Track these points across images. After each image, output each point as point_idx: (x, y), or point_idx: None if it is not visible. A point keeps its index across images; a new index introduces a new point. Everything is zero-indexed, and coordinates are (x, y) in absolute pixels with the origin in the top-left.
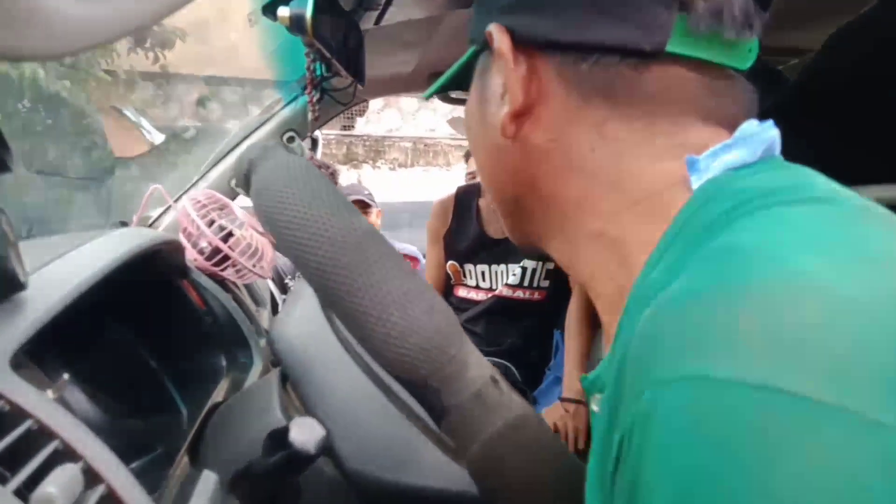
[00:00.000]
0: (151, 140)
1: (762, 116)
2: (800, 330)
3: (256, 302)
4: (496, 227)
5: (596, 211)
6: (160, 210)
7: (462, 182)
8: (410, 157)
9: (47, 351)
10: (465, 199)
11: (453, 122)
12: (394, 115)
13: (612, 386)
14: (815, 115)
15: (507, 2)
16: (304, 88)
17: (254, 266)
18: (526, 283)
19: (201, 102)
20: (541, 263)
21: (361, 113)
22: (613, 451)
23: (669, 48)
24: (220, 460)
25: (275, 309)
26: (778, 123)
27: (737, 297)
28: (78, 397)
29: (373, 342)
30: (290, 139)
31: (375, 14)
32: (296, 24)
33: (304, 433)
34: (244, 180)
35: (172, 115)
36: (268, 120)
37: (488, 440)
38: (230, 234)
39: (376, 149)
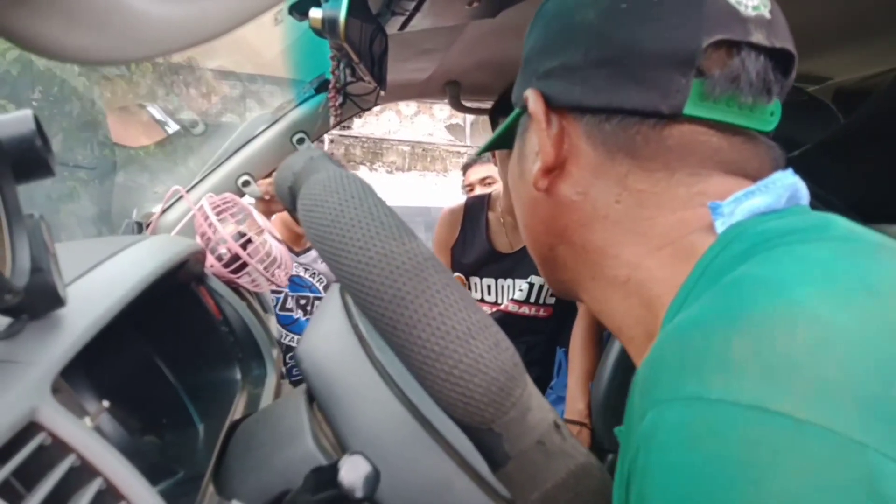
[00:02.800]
0: (168, 130)
1: (816, 148)
2: (791, 355)
3: (264, 308)
4: (504, 241)
5: (621, 258)
6: (159, 205)
7: (458, 190)
8: (408, 160)
9: (79, 369)
10: (475, 211)
11: (451, 128)
12: (392, 118)
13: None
14: (874, 151)
15: (542, 70)
16: (317, 89)
17: (272, 275)
18: (532, 300)
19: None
20: None
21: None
22: (626, 475)
23: (686, 111)
24: (248, 488)
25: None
26: (832, 156)
27: (734, 323)
28: (101, 414)
29: (431, 380)
30: (300, 140)
31: (401, 19)
32: (328, 26)
33: (355, 472)
34: (288, 193)
35: (179, 109)
36: (278, 120)
37: (551, 490)
38: (249, 241)
39: (374, 151)
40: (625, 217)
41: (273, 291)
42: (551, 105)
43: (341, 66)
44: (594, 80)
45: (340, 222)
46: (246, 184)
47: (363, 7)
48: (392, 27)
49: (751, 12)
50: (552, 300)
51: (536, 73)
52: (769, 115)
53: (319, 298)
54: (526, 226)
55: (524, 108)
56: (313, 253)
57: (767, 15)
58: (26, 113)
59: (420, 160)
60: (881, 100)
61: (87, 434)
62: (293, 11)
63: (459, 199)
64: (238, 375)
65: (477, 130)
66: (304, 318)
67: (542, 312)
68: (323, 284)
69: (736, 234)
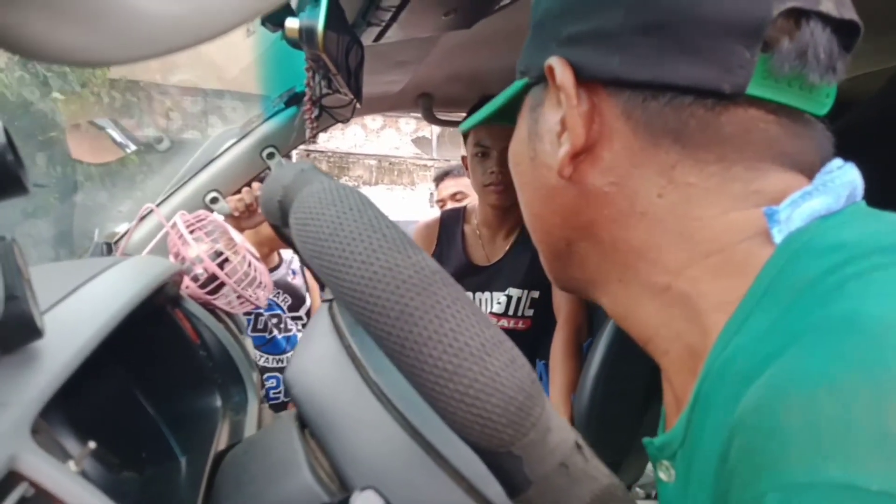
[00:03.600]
0: (125, 149)
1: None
2: None
3: (239, 329)
4: (481, 253)
5: (661, 263)
6: (123, 225)
7: (426, 204)
8: (375, 174)
9: (56, 404)
10: (450, 224)
11: (418, 141)
12: (358, 132)
13: (703, 467)
14: (881, 141)
15: (570, 33)
16: (287, 103)
17: (251, 295)
18: (511, 312)
19: (169, 114)
20: (526, 292)
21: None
22: None
23: (749, 91)
24: None
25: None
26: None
27: (882, 388)
28: (86, 457)
29: (445, 401)
30: (270, 155)
31: (376, 31)
32: (306, 36)
33: None
34: (278, 208)
35: (144, 125)
36: (247, 135)
37: None
38: (226, 260)
39: (340, 165)
40: (668, 215)
41: (245, 313)
42: (580, 77)
43: (317, 77)
44: (638, 48)
45: (339, 235)
46: (214, 200)
47: (340, 18)
48: (367, 38)
49: None
50: (530, 312)
51: (557, 38)
52: (825, 98)
53: (293, 318)
54: (536, 215)
55: (537, 80)
56: (280, 271)
57: None
58: None
59: (387, 174)
60: (885, 95)
61: (73, 481)
62: (266, 22)
63: (430, 212)
64: (218, 402)
65: (444, 144)
66: (280, 336)
67: (520, 325)
68: (287, 304)
69: (800, 245)
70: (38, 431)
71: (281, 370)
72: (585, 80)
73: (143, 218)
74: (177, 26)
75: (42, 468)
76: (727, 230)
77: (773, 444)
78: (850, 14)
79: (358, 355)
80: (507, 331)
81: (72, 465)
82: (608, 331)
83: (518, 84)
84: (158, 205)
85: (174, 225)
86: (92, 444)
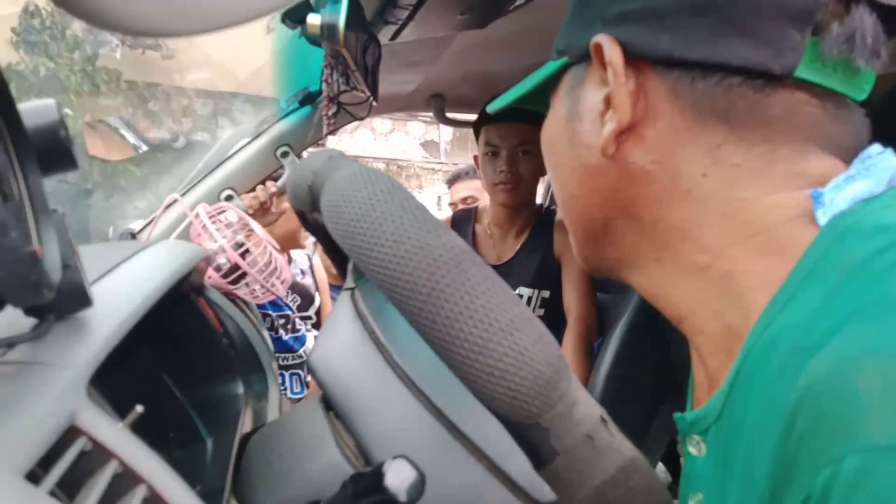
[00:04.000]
0: (137, 149)
1: None
2: None
3: (258, 319)
4: (492, 253)
5: (702, 242)
6: (139, 221)
7: (433, 207)
8: None
9: (98, 376)
10: (462, 224)
11: (426, 145)
12: (367, 136)
13: (756, 435)
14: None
15: (618, 11)
16: (301, 102)
17: (272, 285)
18: None
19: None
20: (536, 291)
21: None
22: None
23: (798, 73)
24: (271, 499)
25: None
26: None
27: None
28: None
29: (475, 375)
30: (284, 154)
31: (393, 29)
32: (328, 32)
33: (400, 477)
34: (308, 193)
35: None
36: (262, 133)
37: (600, 486)
38: (247, 251)
39: None
40: (711, 195)
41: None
42: (628, 55)
43: (335, 74)
44: (689, 28)
45: (371, 217)
46: (229, 198)
47: (359, 15)
48: (384, 37)
49: None
50: (541, 311)
51: (603, 16)
52: (865, 83)
53: (302, 318)
54: (573, 195)
55: (578, 59)
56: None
57: None
58: (49, 102)
59: (395, 177)
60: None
61: (128, 438)
62: (286, 19)
63: (438, 214)
64: (241, 389)
65: (452, 147)
66: (286, 337)
67: None
68: (297, 304)
69: (845, 228)
70: (90, 395)
71: (287, 367)
72: (634, 58)
73: (167, 208)
74: (233, 3)
75: (99, 424)
76: (770, 211)
77: (851, 409)
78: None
79: (381, 339)
80: None
81: (121, 425)
82: (619, 330)
83: (555, 64)
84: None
85: (197, 215)
86: (140, 408)
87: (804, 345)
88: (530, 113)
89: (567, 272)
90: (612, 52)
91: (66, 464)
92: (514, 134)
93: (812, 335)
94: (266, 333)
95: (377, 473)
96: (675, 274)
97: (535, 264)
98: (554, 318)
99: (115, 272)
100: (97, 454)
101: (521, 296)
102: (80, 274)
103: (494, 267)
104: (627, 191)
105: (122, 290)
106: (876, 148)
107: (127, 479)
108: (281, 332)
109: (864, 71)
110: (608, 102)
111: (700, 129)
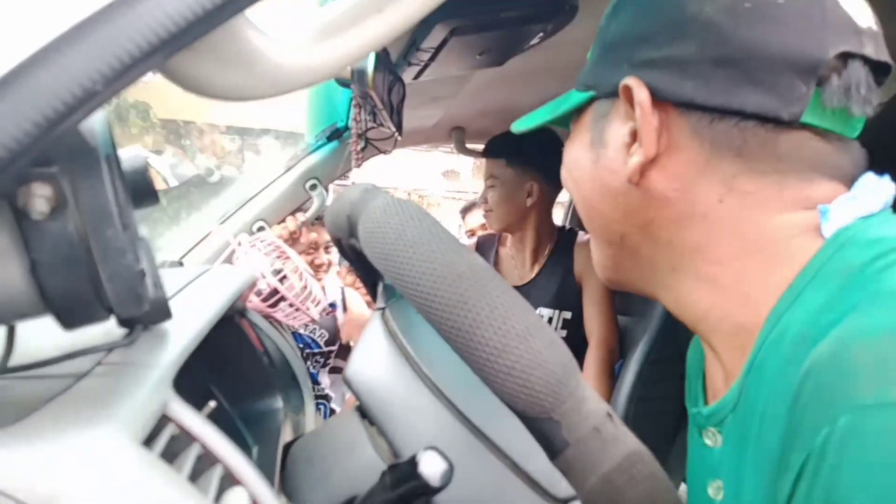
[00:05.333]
0: (168, 183)
1: None
2: None
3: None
4: (514, 274)
5: (713, 256)
6: (180, 251)
7: (455, 233)
8: None
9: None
10: (486, 247)
11: (448, 174)
12: (389, 166)
13: (767, 416)
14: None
15: (645, 58)
16: (329, 138)
17: (307, 308)
18: None
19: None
20: (557, 312)
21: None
22: (793, 472)
23: (803, 119)
24: (316, 497)
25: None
26: None
27: None
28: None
29: (495, 375)
30: (313, 186)
31: (416, 70)
32: (358, 76)
33: (433, 465)
34: (346, 222)
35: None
36: (292, 167)
37: (608, 473)
38: (284, 277)
39: None
40: (726, 217)
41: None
42: (654, 96)
43: (363, 113)
44: (710, 77)
45: (404, 240)
46: (261, 230)
47: (386, 59)
48: (407, 76)
49: (864, 24)
50: (563, 332)
51: (631, 60)
52: (858, 123)
53: (321, 353)
54: (597, 211)
55: (606, 95)
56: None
57: (875, 28)
58: (138, 147)
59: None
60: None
61: (208, 426)
62: None
63: (463, 240)
64: (280, 404)
65: (474, 176)
66: (312, 370)
67: None
68: (325, 339)
69: (846, 238)
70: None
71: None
72: (658, 99)
73: (207, 237)
74: (299, 73)
75: (185, 414)
76: (779, 228)
77: (845, 378)
78: (885, 56)
79: (410, 353)
80: None
81: (202, 415)
82: (639, 353)
83: (582, 96)
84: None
85: (240, 244)
86: (213, 403)
87: (810, 335)
88: (500, 150)
89: (588, 294)
90: (641, 94)
91: (164, 440)
92: (488, 167)
93: (817, 327)
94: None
95: (412, 463)
96: (689, 282)
97: (556, 285)
98: (576, 340)
99: (184, 291)
100: (184, 438)
101: (541, 316)
102: (164, 291)
103: (516, 287)
104: (647, 212)
105: (191, 307)
106: (872, 175)
107: (207, 460)
108: (308, 363)
109: (863, 116)
110: (634, 136)
111: (717, 162)
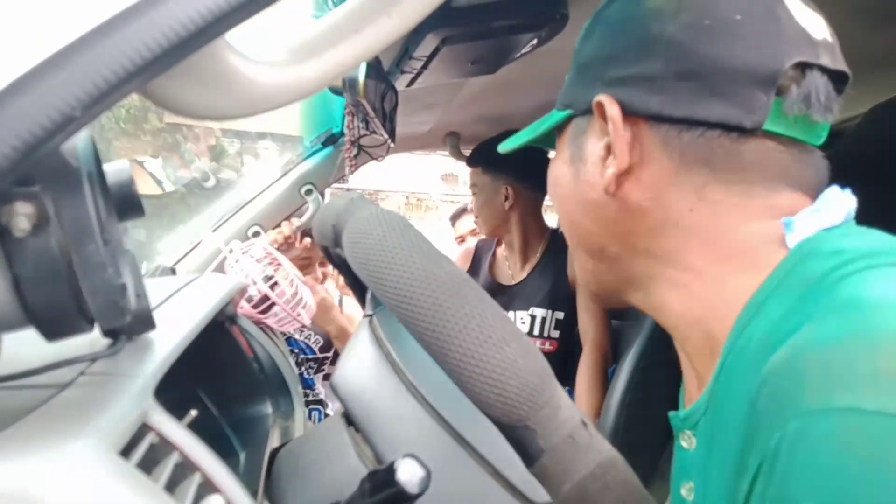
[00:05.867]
0: (163, 188)
1: None
2: None
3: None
4: (506, 273)
5: (686, 263)
6: (166, 259)
7: (452, 241)
8: (403, 211)
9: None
10: (484, 250)
11: (446, 178)
12: (387, 170)
13: (730, 420)
14: (857, 178)
15: (615, 76)
16: (324, 143)
17: (297, 314)
18: (536, 332)
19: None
20: (550, 312)
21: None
22: (750, 474)
23: (765, 127)
24: (298, 501)
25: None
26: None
27: (875, 342)
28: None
29: (472, 383)
30: (308, 191)
31: (409, 77)
32: (349, 85)
33: (410, 472)
34: (332, 231)
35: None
36: (287, 172)
37: (582, 480)
38: (275, 283)
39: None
40: (697, 226)
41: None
42: (625, 112)
43: (356, 121)
44: (675, 91)
45: (384, 249)
46: (256, 234)
47: (377, 67)
48: (400, 84)
49: (818, 36)
50: (556, 333)
51: (603, 79)
52: (822, 131)
53: (315, 360)
54: (575, 223)
55: (582, 112)
56: None
57: (830, 39)
58: (124, 162)
59: (415, 210)
60: (855, 137)
61: (187, 434)
62: None
63: (456, 247)
64: (269, 409)
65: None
66: (308, 376)
67: (547, 346)
68: (319, 345)
69: (808, 249)
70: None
71: (308, 403)
72: (629, 114)
73: (199, 244)
74: (278, 91)
75: (165, 423)
76: (747, 237)
77: (795, 385)
78: (841, 66)
79: (396, 360)
80: None
81: (181, 424)
82: (632, 357)
83: (560, 115)
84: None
85: (231, 251)
86: (194, 412)
87: (770, 343)
88: (476, 160)
89: (582, 297)
90: (612, 110)
91: (142, 450)
92: (470, 176)
93: (777, 335)
94: (292, 360)
95: (390, 470)
96: (664, 289)
97: (548, 285)
98: (569, 341)
99: (170, 301)
100: (163, 447)
101: (534, 316)
102: (147, 301)
103: (507, 287)
104: (624, 222)
105: (177, 316)
106: (836, 188)
107: (186, 467)
108: (302, 369)
109: (821, 123)
110: (608, 149)
111: (686, 172)
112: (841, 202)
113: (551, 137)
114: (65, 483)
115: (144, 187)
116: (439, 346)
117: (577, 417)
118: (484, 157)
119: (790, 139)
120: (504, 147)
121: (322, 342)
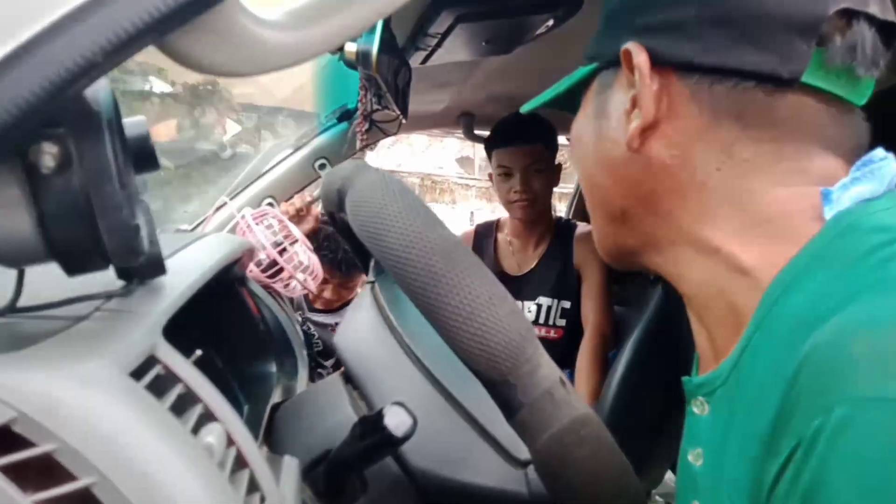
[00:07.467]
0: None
1: None
2: None
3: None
4: (512, 263)
5: (714, 227)
6: (185, 225)
7: (466, 223)
8: (418, 192)
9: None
10: (484, 235)
11: (461, 160)
12: (403, 151)
13: (757, 396)
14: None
15: (644, 23)
16: (339, 119)
17: (304, 280)
18: (542, 321)
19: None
20: (556, 301)
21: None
22: (782, 455)
23: (804, 79)
24: (296, 449)
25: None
26: None
27: None
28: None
29: (459, 338)
30: (322, 166)
31: (423, 54)
32: (362, 58)
33: (397, 418)
34: (336, 195)
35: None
36: (301, 147)
37: (557, 433)
38: (284, 250)
39: None
40: (723, 186)
41: None
42: (653, 61)
43: (369, 95)
44: (708, 38)
45: (384, 213)
46: (270, 205)
47: (392, 42)
48: (415, 61)
49: None
50: (562, 321)
51: (631, 27)
52: (866, 89)
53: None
54: (597, 185)
55: (607, 64)
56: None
57: None
58: (141, 117)
59: (430, 192)
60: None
61: (192, 368)
62: None
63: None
64: (274, 368)
65: (487, 164)
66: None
67: (552, 334)
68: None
69: (848, 224)
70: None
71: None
72: (658, 63)
73: (218, 209)
74: (287, 50)
75: (171, 356)
76: (775, 203)
77: (843, 368)
78: (892, 16)
79: (395, 324)
80: (540, 340)
81: (187, 360)
82: (633, 341)
83: (586, 69)
84: (221, 206)
85: (243, 216)
86: (199, 352)
87: (809, 320)
88: (537, 135)
89: (587, 284)
90: (639, 57)
91: (150, 377)
92: (524, 156)
93: (816, 312)
94: (298, 325)
95: (378, 415)
96: (688, 255)
97: (555, 274)
98: (574, 329)
99: (181, 252)
100: (169, 379)
101: (540, 305)
102: (159, 248)
103: (515, 277)
104: (648, 182)
105: (186, 265)
106: (879, 153)
107: (189, 399)
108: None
109: (864, 78)
110: (634, 102)
111: (716, 127)
112: (883, 169)
113: (576, 101)
114: (82, 389)
115: (164, 158)
116: (431, 304)
117: (555, 375)
118: (548, 133)
119: (830, 95)
120: (526, 108)
121: (321, 346)
